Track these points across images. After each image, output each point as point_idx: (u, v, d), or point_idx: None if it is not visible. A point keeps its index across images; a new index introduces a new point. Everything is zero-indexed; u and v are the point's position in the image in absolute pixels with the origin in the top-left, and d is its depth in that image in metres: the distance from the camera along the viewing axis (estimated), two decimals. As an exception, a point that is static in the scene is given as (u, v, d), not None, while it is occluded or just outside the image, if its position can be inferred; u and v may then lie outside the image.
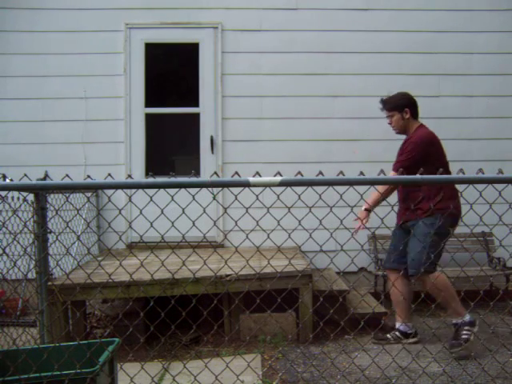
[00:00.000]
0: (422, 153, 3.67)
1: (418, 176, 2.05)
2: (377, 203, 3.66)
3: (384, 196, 3.41)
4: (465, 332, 3.56)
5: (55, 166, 5.16)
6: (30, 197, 3.38)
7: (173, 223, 2.13)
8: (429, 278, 3.55)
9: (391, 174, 3.65)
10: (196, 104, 5.51)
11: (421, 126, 3.86)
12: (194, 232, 2.29)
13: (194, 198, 2.11)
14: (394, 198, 2.34)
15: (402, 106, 3.84)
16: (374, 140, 5.49)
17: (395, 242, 3.89)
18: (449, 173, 3.65)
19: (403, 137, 3.98)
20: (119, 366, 2.37)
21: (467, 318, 3.59)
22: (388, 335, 3.90)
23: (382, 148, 5.47)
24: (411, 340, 3.84)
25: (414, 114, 3.88)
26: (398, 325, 3.91)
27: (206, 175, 5.32)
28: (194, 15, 5.49)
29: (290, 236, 2.29)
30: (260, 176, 2.00)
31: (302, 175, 2.06)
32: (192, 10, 5.50)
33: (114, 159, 5.43)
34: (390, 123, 3.96)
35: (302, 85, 5.49)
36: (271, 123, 5.48)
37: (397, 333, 3.89)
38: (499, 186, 2.19)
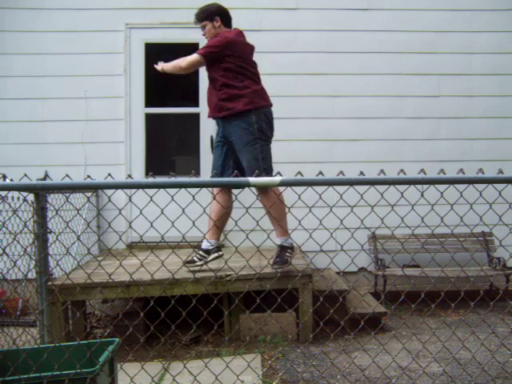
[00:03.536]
0: (219, 48, 3.73)
1: (418, 176, 2.06)
2: (169, 71, 3.89)
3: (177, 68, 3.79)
4: (287, 254, 3.72)
5: (55, 166, 5.16)
6: (30, 197, 3.38)
7: (173, 223, 2.13)
8: (270, 192, 3.56)
9: (195, 56, 3.77)
10: (196, 104, 5.51)
11: (228, 31, 3.91)
12: (193, 232, 2.30)
13: (193, 198, 2.11)
14: (394, 198, 2.34)
15: (212, 15, 3.89)
16: (374, 140, 5.49)
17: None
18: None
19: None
20: (119, 366, 2.37)
21: (290, 241, 3.71)
22: (194, 257, 3.82)
23: (382, 148, 5.49)
24: (212, 256, 3.81)
25: (226, 22, 3.92)
26: (282, 239, 3.80)
27: (206, 175, 5.32)
28: (193, 15, 5.48)
29: (289, 236, 2.29)
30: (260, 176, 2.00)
31: (302, 175, 2.06)
32: (192, 10, 5.42)
33: (114, 159, 5.43)
34: (204, 35, 4.01)
35: (301, 85, 5.49)
36: (271, 123, 5.48)
37: (200, 252, 3.83)
38: (499, 186, 2.19)
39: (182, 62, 3.79)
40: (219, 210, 3.72)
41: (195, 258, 3.82)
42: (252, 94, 3.75)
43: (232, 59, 3.73)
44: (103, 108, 5.45)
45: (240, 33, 3.94)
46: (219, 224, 3.79)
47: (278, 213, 3.59)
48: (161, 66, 3.88)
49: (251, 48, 3.99)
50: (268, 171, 3.69)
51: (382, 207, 2.38)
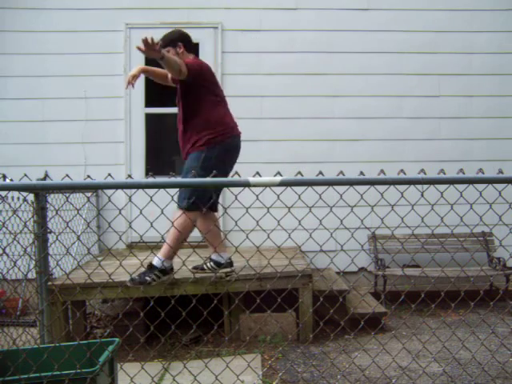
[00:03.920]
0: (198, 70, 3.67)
1: (418, 176, 2.06)
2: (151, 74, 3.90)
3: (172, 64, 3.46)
4: (152, 275, 3.60)
5: (55, 166, 5.16)
6: (30, 197, 3.38)
7: (173, 223, 2.12)
8: (178, 213, 3.50)
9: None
10: (196, 104, 5.50)
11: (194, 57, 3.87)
12: (193, 232, 2.31)
13: (193, 198, 2.11)
14: (394, 198, 2.34)
15: (174, 41, 3.84)
16: (374, 140, 5.50)
17: None
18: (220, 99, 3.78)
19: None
20: (119, 366, 2.37)
21: (166, 264, 3.64)
22: (204, 266, 3.86)
23: (382, 148, 5.49)
24: (224, 270, 3.82)
25: (188, 47, 3.88)
26: (212, 255, 3.87)
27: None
28: (193, 15, 5.49)
29: (290, 236, 2.29)
30: (260, 176, 2.00)
31: (302, 175, 2.06)
32: (192, 10, 5.51)
33: (114, 159, 5.43)
34: None
35: (302, 85, 5.49)
36: (271, 123, 5.49)
37: (211, 263, 3.86)
38: (499, 186, 2.19)
39: (182, 65, 3.57)
40: (208, 227, 3.66)
41: (205, 267, 3.87)
42: None
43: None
44: (103, 108, 5.45)
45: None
46: (217, 238, 3.81)
47: (171, 237, 3.53)
48: (158, 46, 3.37)
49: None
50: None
51: (382, 207, 2.38)
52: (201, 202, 3.48)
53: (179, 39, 3.84)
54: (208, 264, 3.87)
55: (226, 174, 3.71)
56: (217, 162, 3.60)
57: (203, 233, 3.69)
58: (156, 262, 3.62)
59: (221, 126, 3.72)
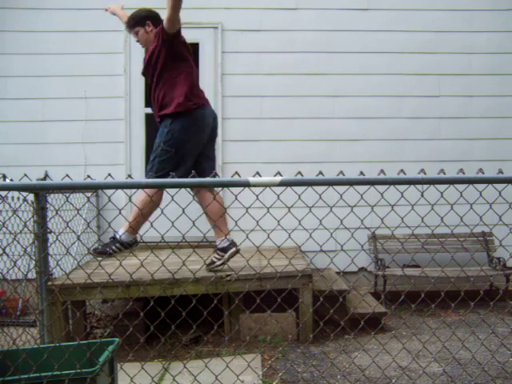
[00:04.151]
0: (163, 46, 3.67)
1: (418, 176, 2.06)
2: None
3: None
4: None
5: (55, 166, 5.16)
6: (30, 197, 3.38)
7: (173, 223, 2.13)
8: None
9: None
10: (196, 104, 5.50)
11: None
12: (193, 232, 2.30)
13: (194, 198, 2.11)
14: (394, 198, 2.34)
15: (143, 20, 3.83)
16: (373, 140, 5.50)
17: None
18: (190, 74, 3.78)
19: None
20: (119, 366, 2.37)
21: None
22: (213, 258, 3.81)
23: (382, 148, 5.49)
24: (230, 252, 3.75)
25: (157, 25, 3.83)
26: (218, 241, 3.83)
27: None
28: (193, 15, 5.48)
29: (290, 236, 2.29)
30: (260, 176, 2.00)
31: (302, 175, 2.06)
32: (192, 10, 5.49)
33: (114, 159, 5.43)
34: (137, 41, 3.96)
35: (302, 85, 5.49)
36: (271, 123, 5.49)
37: (218, 252, 3.80)
38: (499, 186, 2.19)
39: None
40: (219, 208, 3.62)
41: (214, 259, 3.84)
42: None
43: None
44: (103, 108, 5.45)
45: None
46: (221, 220, 3.70)
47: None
48: None
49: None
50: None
51: (382, 207, 2.38)
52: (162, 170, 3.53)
53: (147, 17, 3.83)
54: (113, 246, 3.73)
55: (196, 147, 3.73)
56: (182, 134, 3.66)
57: (209, 216, 3.55)
58: (116, 235, 3.67)
59: (190, 97, 3.71)
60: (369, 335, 3.97)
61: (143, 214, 3.53)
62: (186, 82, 3.73)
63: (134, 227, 3.60)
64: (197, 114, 3.75)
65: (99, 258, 3.65)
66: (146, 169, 3.78)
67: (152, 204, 3.51)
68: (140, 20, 3.83)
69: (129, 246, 3.72)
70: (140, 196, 3.59)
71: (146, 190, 3.42)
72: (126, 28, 3.99)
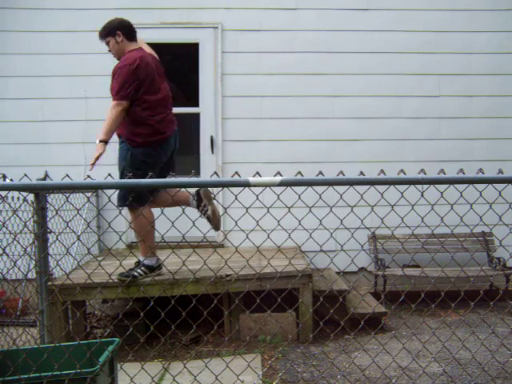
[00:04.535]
0: (132, 77, 3.65)
1: (418, 176, 2.06)
2: (111, 132, 3.74)
3: (116, 123, 3.64)
4: (139, 270, 3.71)
5: (55, 166, 5.16)
6: (30, 197, 3.38)
7: (173, 223, 2.13)
8: (133, 214, 3.60)
9: (113, 104, 3.73)
10: (196, 104, 5.51)
11: (132, 51, 3.79)
12: (193, 232, 2.30)
13: (194, 198, 2.11)
14: (394, 198, 2.34)
15: (113, 30, 3.80)
16: (374, 140, 5.50)
17: None
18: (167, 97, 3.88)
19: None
20: (119, 366, 2.37)
21: (148, 261, 3.72)
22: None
23: (382, 148, 5.49)
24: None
25: (128, 36, 3.81)
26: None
27: (206, 175, 5.32)
28: (193, 15, 5.49)
29: (290, 236, 2.29)
30: (260, 176, 2.00)
31: (301, 175, 2.06)
32: (192, 10, 5.50)
33: (114, 159, 5.41)
34: (109, 51, 3.93)
35: (302, 85, 5.49)
36: (271, 123, 5.49)
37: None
38: (499, 186, 2.20)
39: (112, 114, 3.72)
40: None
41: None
42: None
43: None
44: (103, 108, 5.39)
45: (141, 49, 3.85)
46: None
47: (138, 228, 3.61)
48: (98, 140, 3.74)
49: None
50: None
51: (382, 207, 2.38)
52: (139, 198, 3.45)
53: (118, 28, 3.79)
54: (138, 270, 3.75)
55: (160, 164, 3.76)
56: (145, 158, 3.71)
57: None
58: (140, 259, 3.73)
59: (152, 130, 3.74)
60: (369, 335, 3.98)
61: (146, 235, 3.58)
62: (151, 117, 3.76)
63: (147, 249, 3.64)
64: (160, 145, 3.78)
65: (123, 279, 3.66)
66: (119, 195, 3.70)
67: (147, 223, 3.53)
68: (111, 30, 3.80)
69: (154, 269, 3.76)
70: (133, 224, 3.60)
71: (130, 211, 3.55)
72: (98, 38, 3.94)
